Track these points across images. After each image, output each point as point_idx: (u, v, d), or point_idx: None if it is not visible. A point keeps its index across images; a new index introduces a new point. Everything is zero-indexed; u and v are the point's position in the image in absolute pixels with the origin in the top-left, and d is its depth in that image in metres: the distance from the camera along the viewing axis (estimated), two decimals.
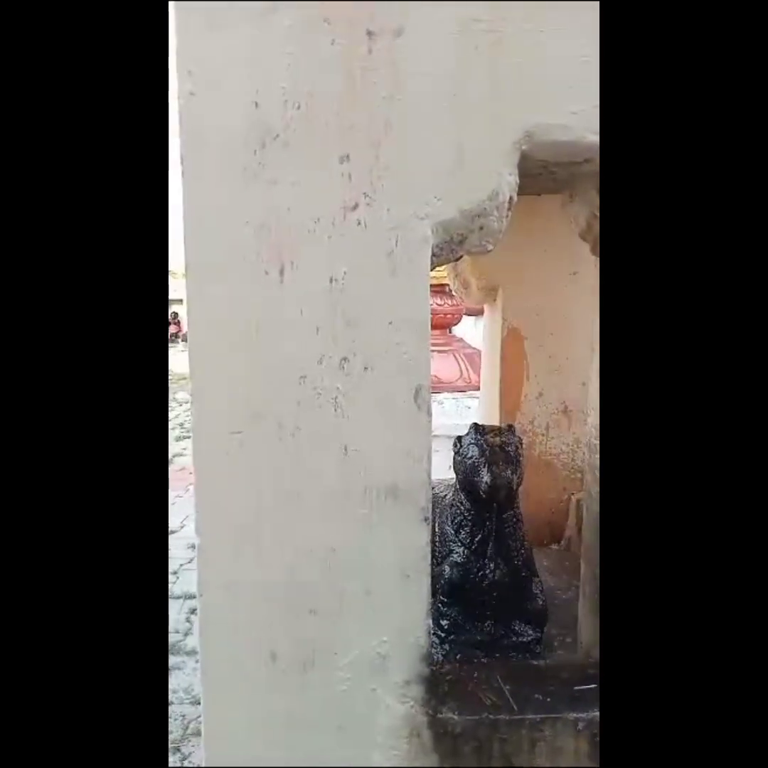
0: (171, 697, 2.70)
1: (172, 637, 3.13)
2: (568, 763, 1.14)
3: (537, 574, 1.57)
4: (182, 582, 3.67)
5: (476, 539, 1.50)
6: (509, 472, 1.45)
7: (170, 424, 6.95)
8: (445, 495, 1.63)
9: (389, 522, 1.13)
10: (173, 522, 4.05)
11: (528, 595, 1.53)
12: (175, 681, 2.81)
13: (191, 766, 2.34)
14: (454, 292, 2.51)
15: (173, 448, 5.92)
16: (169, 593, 3.49)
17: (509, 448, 1.47)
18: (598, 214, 1.24)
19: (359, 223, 1.07)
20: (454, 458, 1.53)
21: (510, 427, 1.53)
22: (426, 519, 1.14)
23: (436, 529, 1.55)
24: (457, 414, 3.82)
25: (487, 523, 1.49)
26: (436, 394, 4.07)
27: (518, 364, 2.19)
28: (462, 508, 1.53)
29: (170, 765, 2.33)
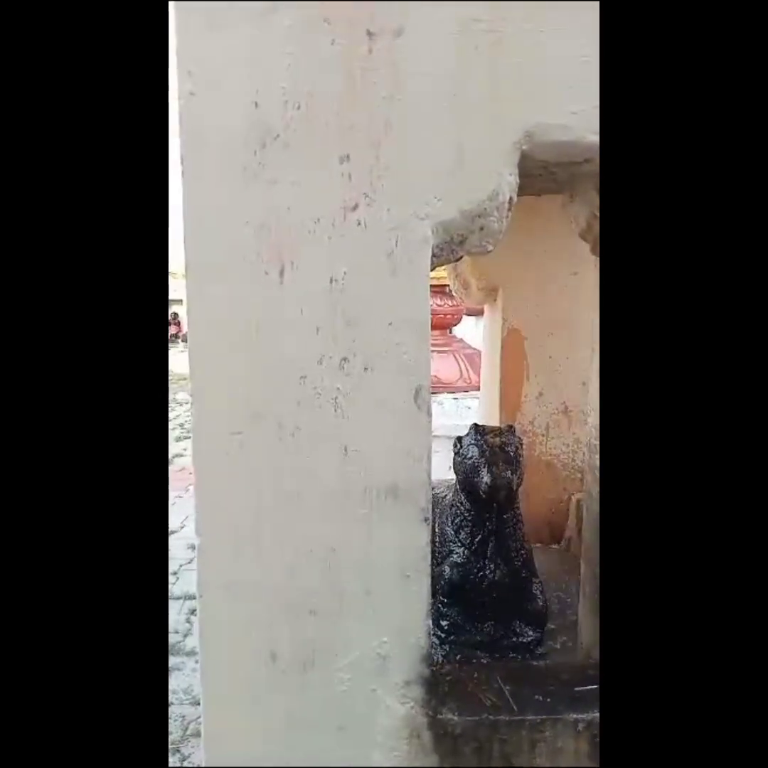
0: (171, 697, 2.70)
1: (172, 638, 3.12)
2: (568, 764, 1.14)
3: (537, 574, 1.57)
4: (182, 582, 3.67)
5: (476, 540, 1.50)
6: (509, 472, 1.45)
7: (170, 425, 6.96)
8: (445, 495, 1.63)
9: (389, 522, 1.13)
10: (173, 522, 4.05)
11: (528, 596, 1.53)
12: (174, 682, 2.81)
13: (191, 766, 2.34)
14: (454, 293, 2.50)
15: (173, 448, 5.92)
16: (169, 594, 3.49)
17: (509, 449, 1.47)
18: (598, 214, 1.24)
19: (359, 224, 1.07)
20: (454, 459, 1.53)
21: (510, 428, 1.53)
22: (426, 519, 1.14)
23: (436, 530, 1.55)
24: (457, 414, 3.82)
25: (487, 523, 1.49)
26: (436, 395, 4.07)
27: (518, 364, 2.19)
28: (462, 508, 1.53)
29: (170, 766, 2.33)
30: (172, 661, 2.94)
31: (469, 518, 1.51)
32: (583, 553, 1.49)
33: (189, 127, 1.04)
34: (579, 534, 1.80)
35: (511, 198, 1.10)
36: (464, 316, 5.51)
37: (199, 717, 1.17)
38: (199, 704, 1.17)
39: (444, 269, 2.27)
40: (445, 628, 1.51)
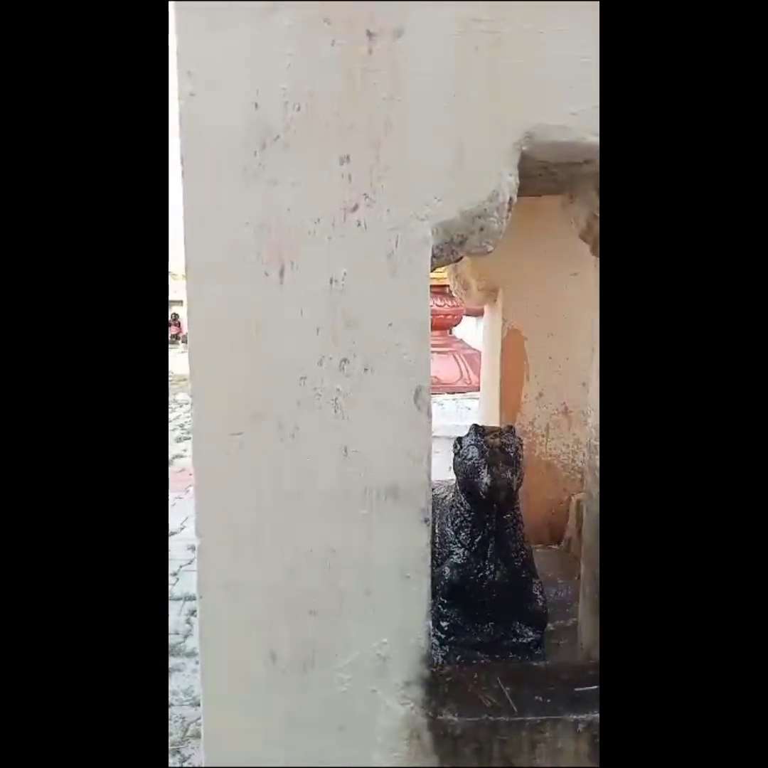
0: (171, 698, 2.69)
1: (172, 639, 3.12)
2: (569, 765, 1.14)
3: (537, 575, 1.57)
4: (182, 583, 3.66)
5: (476, 540, 1.50)
6: (509, 473, 1.44)
7: (170, 425, 6.95)
8: (445, 496, 1.63)
9: (389, 523, 1.13)
10: (173, 523, 4.04)
11: (528, 597, 1.53)
12: (174, 682, 2.81)
13: (191, 767, 2.33)
14: (454, 293, 2.51)
15: (173, 449, 5.92)
16: (169, 595, 3.49)
17: (509, 449, 1.47)
18: (598, 214, 1.24)
19: (359, 224, 1.07)
20: (454, 459, 1.53)
21: (510, 428, 1.53)
22: (426, 520, 1.14)
23: (436, 530, 1.55)
24: (457, 415, 3.82)
25: (487, 524, 1.49)
26: (436, 395, 4.08)
27: (518, 364, 2.19)
28: (462, 509, 1.53)
29: (170, 767, 2.32)
30: (173, 662, 2.94)
31: (469, 519, 1.51)
32: (583, 554, 1.49)
33: (189, 128, 1.04)
34: (579, 535, 1.80)
35: (511, 198, 1.10)
36: (464, 317, 5.51)
37: (199, 718, 1.17)
38: (199, 705, 1.17)
39: (444, 270, 2.27)
40: (445, 628, 1.51)
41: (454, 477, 1.56)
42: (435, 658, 1.33)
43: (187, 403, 1.12)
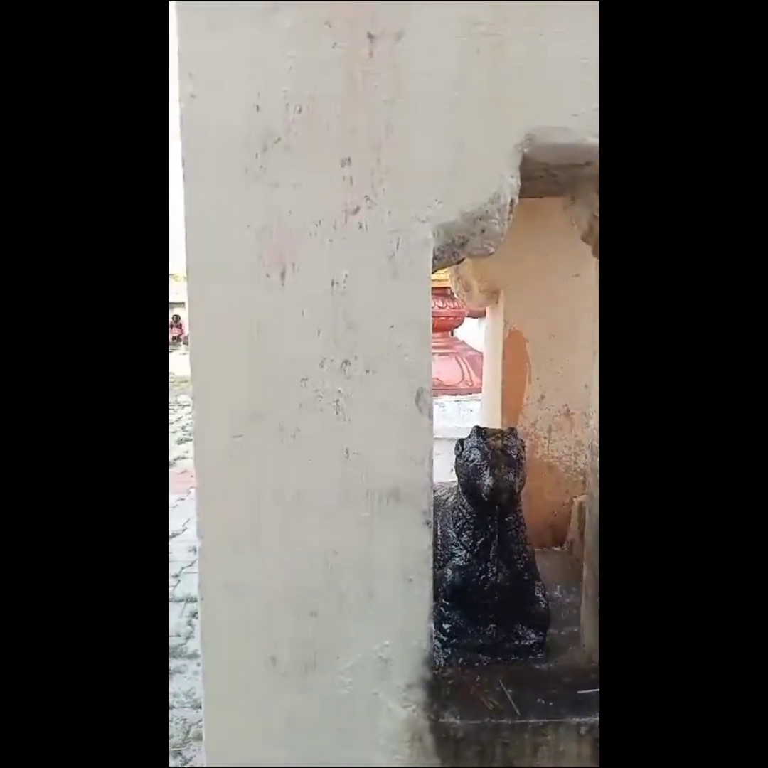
0: (172, 700, 2.69)
1: (173, 641, 3.12)
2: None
3: (539, 577, 1.57)
4: (183, 585, 3.67)
5: (478, 542, 1.50)
6: (511, 475, 1.44)
7: (172, 427, 6.96)
8: (447, 498, 1.63)
9: (391, 525, 1.13)
10: (175, 525, 4.05)
11: (530, 599, 1.52)
12: (176, 684, 2.81)
13: None
14: (455, 295, 2.50)
15: (175, 451, 5.92)
16: (170, 597, 3.49)
17: (511, 451, 1.47)
18: (599, 216, 1.24)
19: (360, 226, 1.07)
20: (456, 461, 1.53)
21: (512, 430, 1.52)
22: (428, 522, 1.14)
23: (438, 533, 1.55)
24: (459, 417, 3.81)
25: (489, 526, 1.49)
26: (438, 397, 4.07)
27: (520, 366, 2.19)
28: (464, 511, 1.52)
29: None
30: (174, 664, 2.94)
31: (471, 521, 1.51)
32: (585, 556, 1.49)
33: (190, 130, 1.04)
34: (581, 537, 1.79)
35: (512, 200, 1.10)
36: (466, 319, 5.50)
37: (200, 720, 1.17)
38: (200, 707, 1.17)
39: (445, 271, 2.27)
40: (447, 631, 1.51)
41: (455, 479, 1.55)
42: (437, 661, 1.33)
43: (188, 405, 1.12)
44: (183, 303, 1.12)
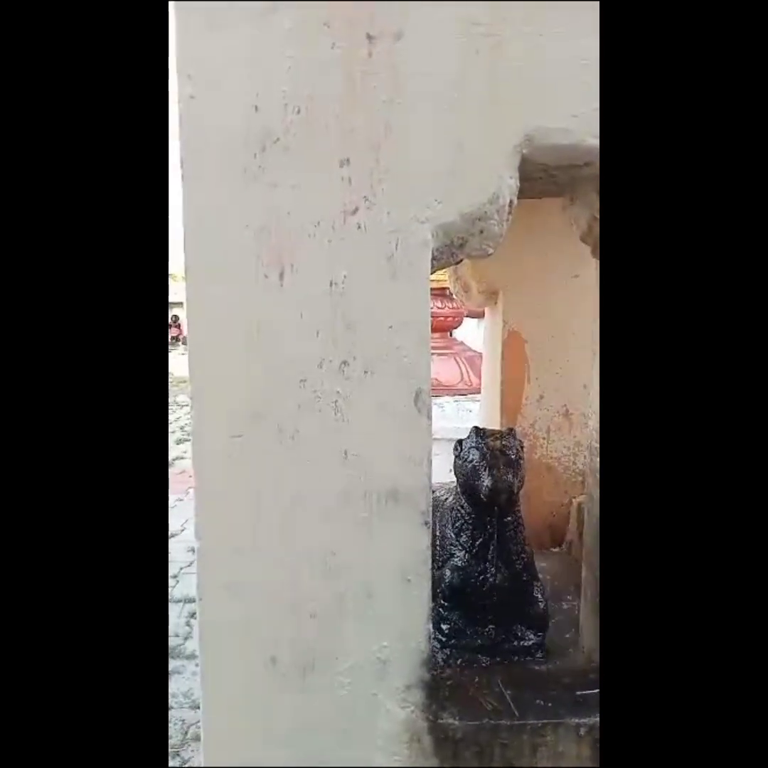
0: (170, 701, 2.69)
1: (172, 641, 3.12)
2: None
3: (538, 577, 1.57)
4: (182, 585, 3.66)
5: (477, 543, 1.50)
6: (510, 475, 1.44)
7: (171, 427, 6.95)
8: (446, 499, 1.63)
9: (390, 526, 1.12)
10: (173, 525, 4.04)
11: (529, 599, 1.52)
12: (174, 685, 2.81)
13: None
14: (454, 295, 2.50)
15: (174, 451, 5.92)
16: (169, 597, 3.48)
17: (510, 452, 1.47)
18: (598, 216, 1.24)
19: (359, 227, 1.07)
20: (454, 462, 1.52)
21: (511, 431, 1.52)
22: (426, 523, 1.14)
23: (437, 533, 1.54)
24: (458, 417, 3.81)
25: (488, 526, 1.49)
26: (437, 397, 4.07)
27: (519, 367, 2.19)
28: (463, 511, 1.52)
29: None
30: (172, 664, 2.94)
31: (469, 522, 1.51)
32: (584, 557, 1.49)
33: (189, 130, 1.04)
34: (580, 537, 1.79)
35: (511, 201, 1.10)
36: (465, 319, 5.50)
37: (198, 720, 1.17)
38: (198, 708, 1.17)
39: (444, 272, 2.27)
40: (446, 631, 1.50)
41: (454, 479, 1.55)
42: (436, 661, 1.33)
43: (187, 405, 1.12)
44: (181, 303, 1.12)
